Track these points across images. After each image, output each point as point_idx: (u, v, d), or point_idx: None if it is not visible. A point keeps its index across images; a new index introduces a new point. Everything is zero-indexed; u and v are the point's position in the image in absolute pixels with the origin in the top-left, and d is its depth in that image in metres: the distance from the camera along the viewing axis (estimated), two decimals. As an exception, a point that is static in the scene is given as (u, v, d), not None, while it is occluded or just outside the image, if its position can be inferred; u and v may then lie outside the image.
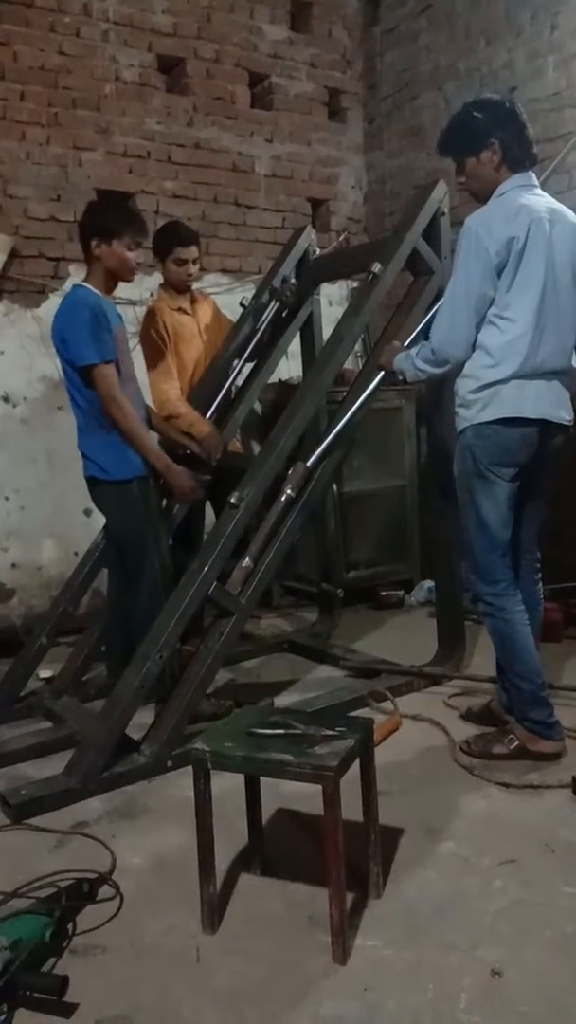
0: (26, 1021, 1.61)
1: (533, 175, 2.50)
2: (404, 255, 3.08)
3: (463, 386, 2.51)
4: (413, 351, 2.62)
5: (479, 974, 1.67)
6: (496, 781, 2.47)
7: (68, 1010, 1.62)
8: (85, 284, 2.89)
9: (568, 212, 2.48)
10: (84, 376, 2.77)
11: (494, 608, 2.56)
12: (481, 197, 2.53)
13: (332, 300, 5.14)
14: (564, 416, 2.50)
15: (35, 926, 1.76)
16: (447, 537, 3.32)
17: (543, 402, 2.44)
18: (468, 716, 2.92)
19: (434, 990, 1.63)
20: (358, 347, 4.79)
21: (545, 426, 2.46)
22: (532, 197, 2.44)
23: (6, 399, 4.34)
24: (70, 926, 1.87)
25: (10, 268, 4.27)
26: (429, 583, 4.48)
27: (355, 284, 4.97)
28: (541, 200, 2.46)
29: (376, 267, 3.03)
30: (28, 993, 1.63)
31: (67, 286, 4.42)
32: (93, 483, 2.92)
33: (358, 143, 5.56)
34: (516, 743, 2.59)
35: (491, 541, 2.53)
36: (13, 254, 4.26)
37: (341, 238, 5.49)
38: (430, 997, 1.61)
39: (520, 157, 2.46)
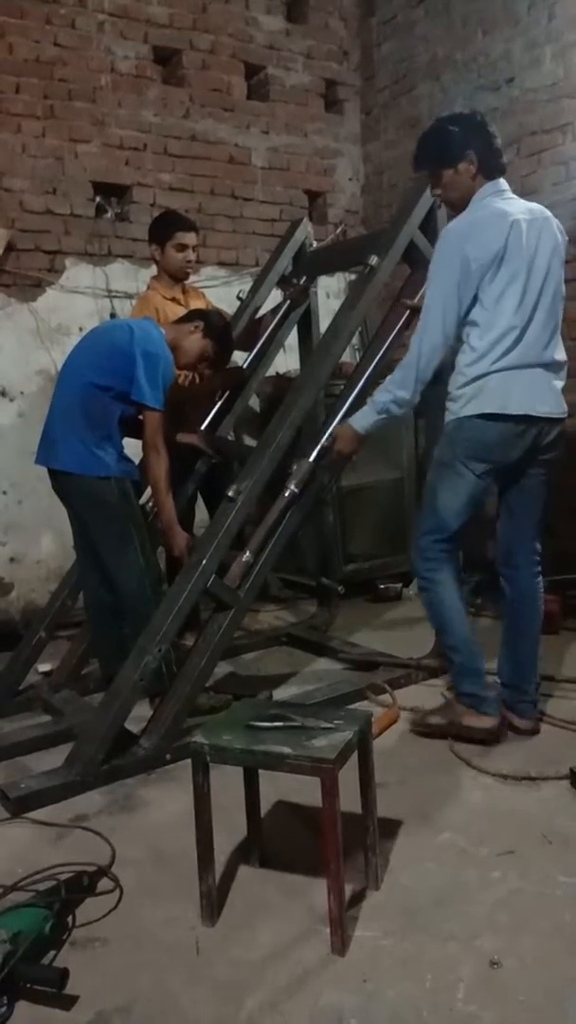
0: (26, 1013, 1.61)
1: (504, 182, 2.59)
2: (401, 247, 3.08)
3: (452, 382, 2.58)
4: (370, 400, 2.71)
5: (477, 964, 1.68)
6: (494, 772, 2.48)
7: (68, 1002, 1.63)
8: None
9: (545, 211, 2.56)
10: (134, 406, 2.83)
11: (427, 583, 2.69)
12: (459, 207, 2.61)
13: (330, 292, 5.13)
14: (555, 410, 2.54)
15: (35, 919, 1.76)
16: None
17: (531, 396, 2.48)
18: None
19: (432, 980, 1.64)
20: (355, 340, 4.78)
21: (533, 421, 2.50)
22: (506, 202, 2.53)
23: (3, 393, 4.33)
24: (70, 919, 1.88)
25: (6, 262, 4.25)
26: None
27: (352, 276, 4.96)
28: (515, 203, 2.55)
29: (373, 259, 3.02)
30: (28, 985, 1.64)
31: (64, 280, 4.43)
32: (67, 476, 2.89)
33: (355, 134, 5.54)
34: (451, 716, 2.69)
35: (437, 525, 2.64)
36: (9, 247, 4.24)
37: (338, 230, 5.47)
38: (428, 987, 1.62)
39: (493, 166, 2.57)
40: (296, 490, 2.87)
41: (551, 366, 2.52)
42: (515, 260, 2.44)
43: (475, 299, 2.47)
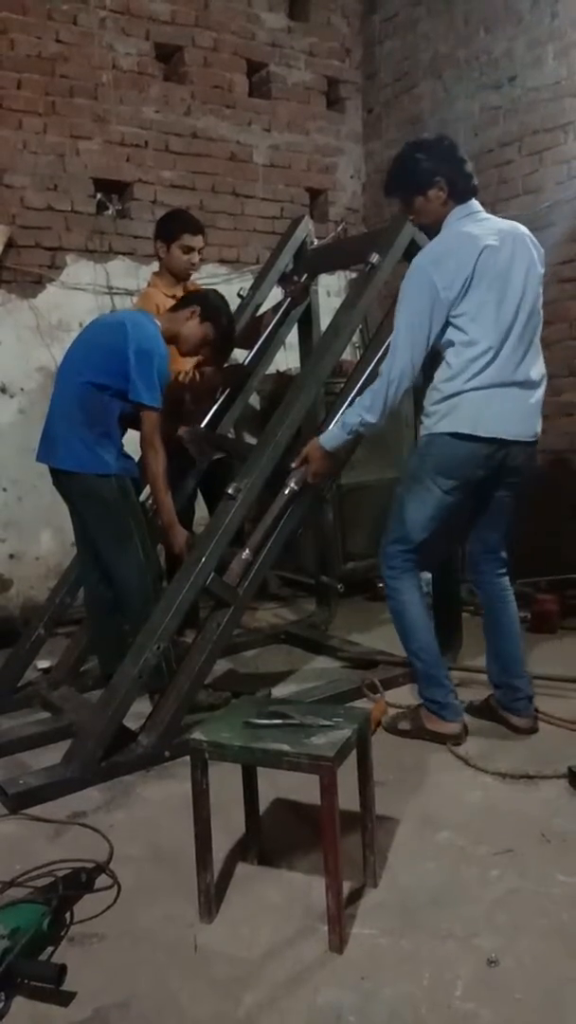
0: (24, 1009, 1.61)
1: (476, 203, 2.60)
2: (402, 246, 3.07)
3: (428, 397, 2.61)
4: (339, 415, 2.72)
5: (475, 962, 1.68)
6: (492, 771, 2.48)
7: (66, 998, 1.63)
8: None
9: (521, 228, 2.57)
10: (132, 405, 2.80)
11: (391, 590, 2.74)
12: (433, 231, 2.63)
13: (330, 291, 5.13)
14: (525, 433, 2.55)
15: (33, 915, 1.76)
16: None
17: (503, 419, 2.49)
18: (470, 709, 2.92)
19: (430, 978, 1.64)
20: (356, 338, 4.77)
21: (503, 444, 2.51)
22: (477, 224, 2.54)
23: (3, 390, 4.33)
24: (68, 915, 1.88)
25: (7, 258, 4.25)
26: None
27: (353, 275, 4.96)
28: (488, 224, 2.55)
29: (374, 257, 3.02)
30: (26, 981, 1.64)
31: (64, 276, 4.43)
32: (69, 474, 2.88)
33: (357, 132, 5.54)
34: (418, 721, 2.73)
35: (402, 535, 2.67)
36: (10, 244, 4.24)
37: (339, 228, 5.47)
38: (426, 985, 1.62)
39: (463, 189, 2.58)
40: (296, 488, 2.87)
41: (526, 384, 2.53)
42: (487, 282, 2.45)
43: (448, 322, 2.49)
